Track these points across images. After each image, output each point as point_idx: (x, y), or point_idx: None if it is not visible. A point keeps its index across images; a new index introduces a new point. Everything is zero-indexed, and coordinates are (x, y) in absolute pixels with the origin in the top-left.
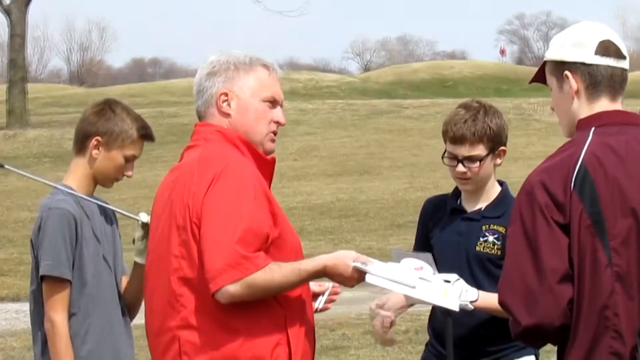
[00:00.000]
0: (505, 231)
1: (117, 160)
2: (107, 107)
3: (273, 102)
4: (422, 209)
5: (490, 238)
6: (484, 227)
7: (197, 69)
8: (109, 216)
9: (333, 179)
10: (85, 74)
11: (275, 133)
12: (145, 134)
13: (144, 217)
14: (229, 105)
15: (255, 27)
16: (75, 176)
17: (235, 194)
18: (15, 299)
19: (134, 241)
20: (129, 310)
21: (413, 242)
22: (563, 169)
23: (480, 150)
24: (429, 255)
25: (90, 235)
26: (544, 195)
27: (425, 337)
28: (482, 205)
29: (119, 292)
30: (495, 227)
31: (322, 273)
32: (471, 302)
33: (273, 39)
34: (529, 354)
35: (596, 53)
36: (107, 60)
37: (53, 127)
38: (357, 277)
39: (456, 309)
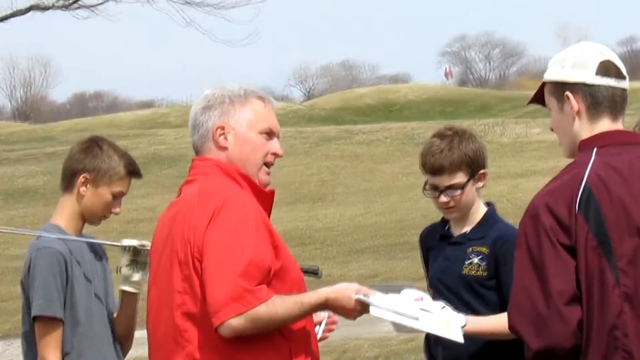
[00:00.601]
0: (489, 251)
1: (104, 197)
2: (95, 144)
3: (270, 134)
4: (419, 243)
5: (475, 260)
6: (469, 250)
7: (139, 102)
8: (98, 252)
9: (288, 208)
10: (28, 110)
11: (270, 164)
12: (133, 171)
13: (127, 242)
14: (225, 138)
15: (196, 56)
16: (63, 214)
17: (236, 227)
18: None
19: (117, 270)
20: (121, 342)
21: (374, 267)
22: (567, 191)
23: (460, 178)
24: (412, 289)
25: (80, 274)
26: (549, 218)
27: None
28: (467, 228)
29: (112, 329)
30: (478, 248)
31: (325, 306)
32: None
33: (214, 68)
34: None
35: (597, 74)
36: (50, 96)
37: (3, 165)
38: (360, 309)
39: (460, 340)
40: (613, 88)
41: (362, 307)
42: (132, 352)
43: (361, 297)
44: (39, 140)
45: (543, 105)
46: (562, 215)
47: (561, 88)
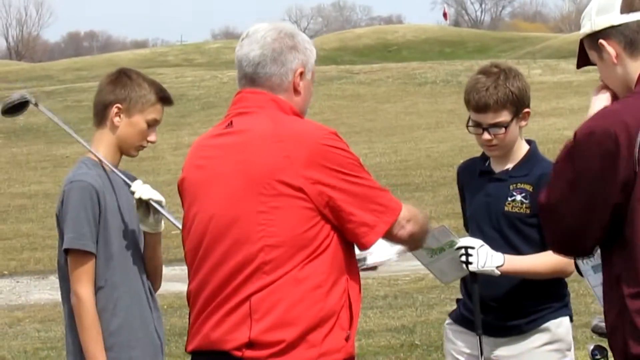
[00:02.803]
0: (533, 189)
1: (139, 125)
2: (123, 74)
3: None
4: (456, 177)
5: (518, 197)
6: (511, 187)
7: (133, 41)
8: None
9: None
10: (23, 49)
11: None
12: (164, 97)
13: (138, 193)
14: (300, 83)
15: None
16: (100, 148)
17: (350, 153)
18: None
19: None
20: (151, 280)
21: None
22: (631, 116)
23: (504, 116)
24: (442, 228)
25: (115, 208)
26: (608, 140)
27: (405, 301)
28: (509, 165)
29: (143, 262)
30: (522, 185)
31: None
32: (497, 267)
33: (208, 8)
34: (564, 314)
35: (622, 12)
36: (43, 35)
37: (3, 103)
38: None
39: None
40: None
41: None
42: (170, 288)
43: None
44: (38, 79)
45: (593, 65)
46: (623, 138)
47: (594, 38)
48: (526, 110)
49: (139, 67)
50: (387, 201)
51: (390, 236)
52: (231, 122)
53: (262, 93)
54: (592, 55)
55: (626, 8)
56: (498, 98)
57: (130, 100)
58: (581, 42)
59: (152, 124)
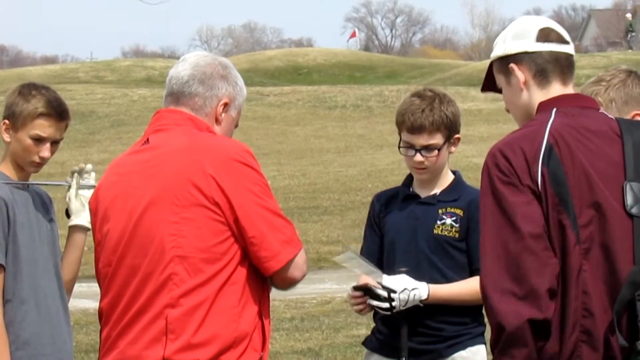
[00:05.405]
0: (463, 214)
1: (23, 141)
2: (17, 89)
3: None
4: (370, 207)
5: (448, 220)
6: (440, 211)
7: (43, 57)
8: (45, 202)
9: None
10: None
11: None
12: (47, 113)
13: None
14: (222, 114)
15: (100, 15)
16: (5, 163)
17: (261, 175)
18: None
19: (67, 215)
20: (68, 287)
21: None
22: (528, 143)
23: (437, 139)
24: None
25: (25, 221)
26: (506, 165)
27: (311, 324)
28: (436, 190)
29: (57, 278)
30: (452, 209)
31: None
32: (421, 301)
33: (118, 26)
34: (481, 342)
35: (537, 40)
36: None
37: None
38: None
39: None
40: (556, 53)
41: None
42: (78, 304)
43: None
44: None
45: (496, 92)
46: (519, 165)
47: (505, 62)
48: (457, 136)
49: (49, 82)
50: (291, 234)
51: (284, 272)
52: (147, 139)
53: (179, 112)
54: (499, 79)
55: (542, 38)
56: (434, 120)
57: (14, 116)
58: (490, 66)
59: (40, 140)
